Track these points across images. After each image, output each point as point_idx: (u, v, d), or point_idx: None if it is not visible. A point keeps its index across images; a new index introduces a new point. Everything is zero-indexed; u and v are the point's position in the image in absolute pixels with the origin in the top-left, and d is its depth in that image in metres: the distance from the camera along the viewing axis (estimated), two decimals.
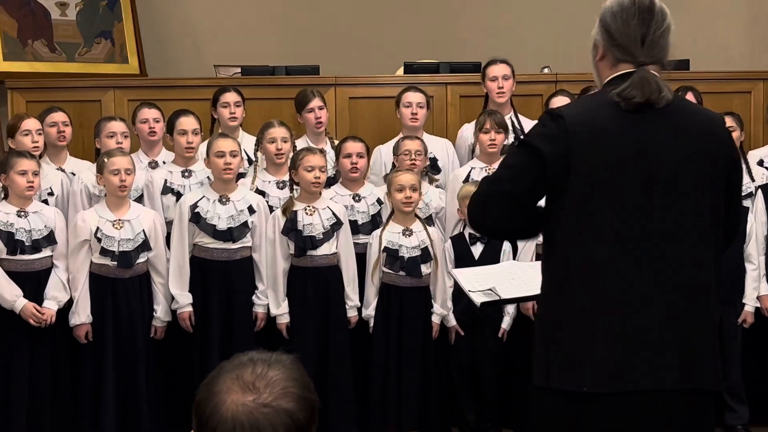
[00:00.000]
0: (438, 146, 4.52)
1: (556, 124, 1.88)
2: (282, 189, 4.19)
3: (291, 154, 4.14)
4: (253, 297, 4.01)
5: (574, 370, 1.86)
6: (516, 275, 2.66)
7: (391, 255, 4.03)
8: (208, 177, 4.11)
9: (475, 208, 1.96)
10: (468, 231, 4.13)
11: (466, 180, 4.27)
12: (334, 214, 4.04)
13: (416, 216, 4.13)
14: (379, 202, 4.22)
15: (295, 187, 4.08)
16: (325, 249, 4.00)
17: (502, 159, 2.00)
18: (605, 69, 1.96)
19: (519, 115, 4.61)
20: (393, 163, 4.35)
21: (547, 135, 1.88)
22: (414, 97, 4.41)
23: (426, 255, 4.04)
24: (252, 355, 1.33)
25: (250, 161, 4.33)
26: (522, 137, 2.05)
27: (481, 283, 2.70)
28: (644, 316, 1.84)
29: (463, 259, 4.02)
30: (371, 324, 4.06)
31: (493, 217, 1.93)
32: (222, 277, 3.95)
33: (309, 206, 4.03)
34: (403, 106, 4.42)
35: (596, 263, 1.84)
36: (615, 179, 1.85)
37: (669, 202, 1.86)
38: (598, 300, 1.84)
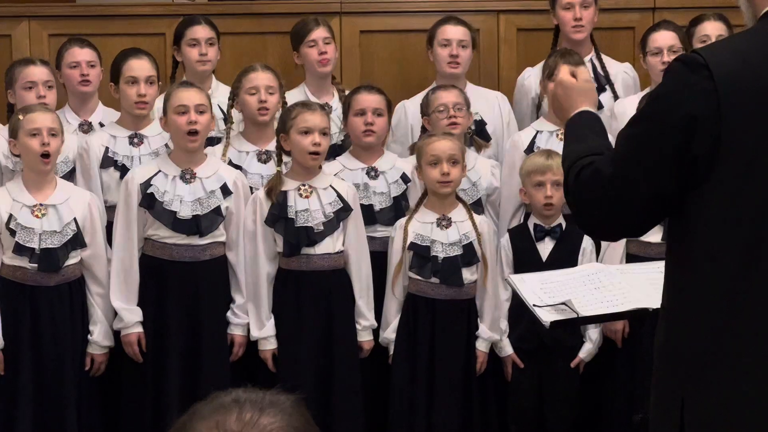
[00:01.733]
0: (486, 102, 4.56)
1: (698, 76, 1.90)
2: (266, 163, 4.23)
3: (279, 112, 4.19)
4: (228, 314, 4.08)
5: (734, 425, 1.89)
6: (601, 284, 2.70)
7: (421, 255, 4.07)
8: (166, 145, 4.17)
9: (597, 209, 2.02)
10: (534, 221, 4.18)
11: (530, 149, 4.30)
12: (339, 196, 4.07)
13: (458, 199, 4.16)
14: (405, 179, 4.26)
15: (284, 158, 4.11)
16: (327, 246, 4.05)
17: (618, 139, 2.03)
18: None
19: (603, 57, 4.63)
20: (422, 126, 4.38)
21: (686, 93, 1.90)
22: (454, 32, 4.45)
23: (470, 255, 4.08)
24: (237, 395, 1.34)
25: (226, 122, 4.39)
26: (645, 105, 2.01)
27: (550, 294, 2.74)
28: None
29: (526, 260, 4.07)
30: (391, 351, 4.11)
31: (621, 222, 2.02)
32: (185, 285, 4.02)
33: (304, 185, 4.06)
34: (439, 44, 4.47)
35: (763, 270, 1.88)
36: None
37: None
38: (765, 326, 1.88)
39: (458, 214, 4.13)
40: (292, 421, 1.31)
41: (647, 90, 4.33)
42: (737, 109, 1.86)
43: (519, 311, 3.90)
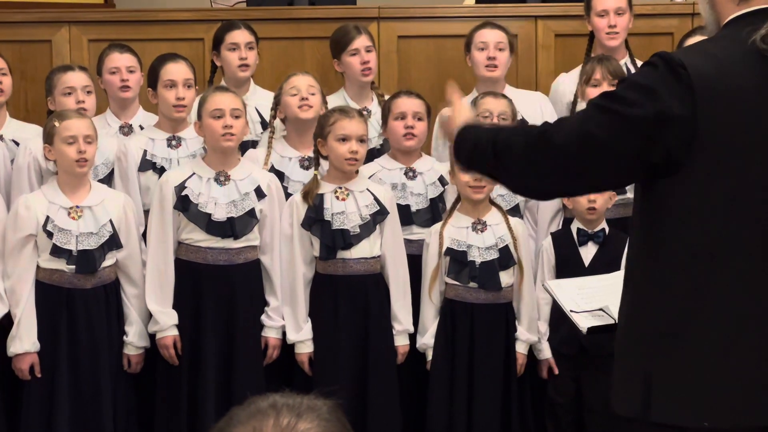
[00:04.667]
0: (528, 103, 4.53)
1: (677, 76, 1.96)
2: (308, 169, 4.23)
3: (320, 114, 4.20)
4: (263, 317, 4.07)
5: (694, 398, 1.98)
6: None
7: (457, 259, 4.05)
8: (203, 148, 4.18)
9: (542, 160, 2.07)
10: (576, 225, 4.17)
11: None
12: (376, 199, 4.08)
13: (492, 203, 4.15)
14: (443, 181, 4.27)
15: (321, 162, 4.13)
16: (363, 249, 4.04)
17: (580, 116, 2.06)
18: (727, 2, 2.06)
19: (637, 62, 4.61)
20: None
21: (665, 91, 1.96)
22: (491, 35, 4.44)
23: (506, 258, 4.07)
24: (275, 400, 1.33)
25: (264, 126, 4.41)
26: (623, 89, 2.04)
27: (588, 300, 2.75)
28: None
29: (569, 265, 4.06)
30: (429, 357, 4.08)
31: (565, 186, 2.11)
32: (219, 288, 4.00)
33: (341, 188, 4.07)
34: (476, 48, 4.46)
35: (731, 259, 1.96)
36: (762, 158, 1.96)
37: None
38: (731, 307, 1.97)
39: (493, 217, 4.12)
40: (330, 427, 1.30)
41: None
42: (711, 110, 1.93)
43: (560, 315, 3.81)
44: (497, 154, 2.10)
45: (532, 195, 2.33)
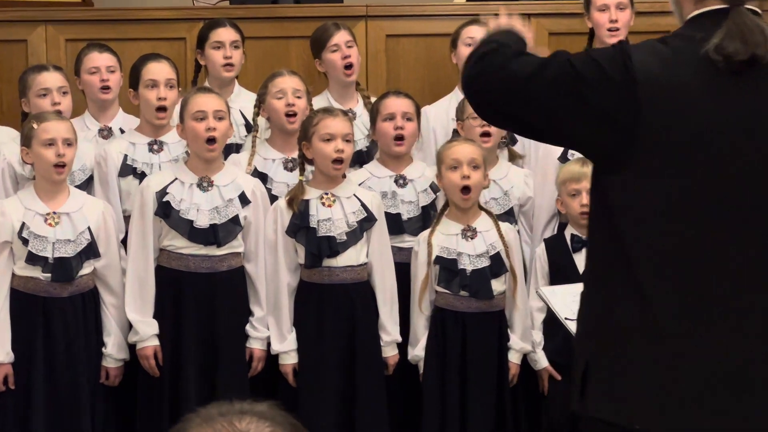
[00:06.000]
0: None
1: (623, 64, 2.01)
2: (292, 171, 4.20)
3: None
4: (248, 327, 4.03)
5: (628, 397, 2.03)
6: None
7: (447, 268, 4.00)
8: (186, 152, 4.11)
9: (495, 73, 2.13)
10: (570, 231, 4.11)
11: (564, 158, 4.22)
12: (363, 205, 4.03)
13: (481, 208, 4.10)
14: (435, 188, 4.22)
15: (307, 166, 4.09)
16: (350, 257, 3.99)
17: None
18: (687, 1, 2.13)
19: None
20: (454, 130, 4.33)
21: (610, 68, 2.01)
22: (479, 33, 4.25)
23: (498, 265, 4.02)
24: (222, 407, 1.37)
25: (248, 129, 4.35)
26: (587, 63, 2.10)
27: None
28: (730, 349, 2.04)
29: (563, 272, 4.00)
30: (421, 369, 4.04)
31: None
32: (202, 297, 3.96)
33: (327, 194, 4.02)
34: (464, 44, 4.40)
35: (670, 263, 2.02)
36: (712, 169, 1.99)
37: None
38: (666, 313, 2.02)
39: (483, 223, 4.05)
40: (284, 429, 1.35)
41: None
42: (654, 105, 1.97)
43: (554, 324, 3.84)
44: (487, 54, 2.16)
45: (481, 112, 2.27)
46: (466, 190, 3.96)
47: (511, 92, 2.08)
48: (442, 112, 4.41)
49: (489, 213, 4.09)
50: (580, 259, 4.00)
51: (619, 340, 2.05)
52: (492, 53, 2.12)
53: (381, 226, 4.05)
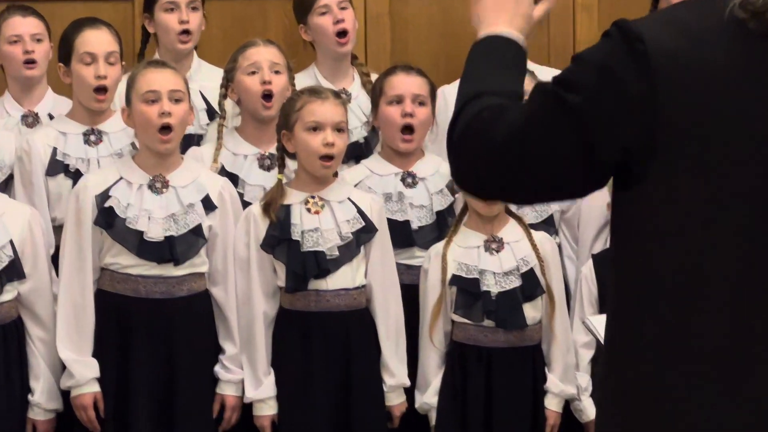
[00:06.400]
0: None
1: (632, 56, 1.83)
2: (269, 170, 3.91)
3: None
4: (217, 368, 3.76)
5: None
6: None
7: (467, 290, 3.73)
8: (132, 144, 3.85)
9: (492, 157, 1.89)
10: None
11: None
12: (360, 212, 3.74)
13: (510, 213, 3.82)
14: (452, 189, 3.91)
15: (288, 163, 3.82)
16: (343, 278, 3.72)
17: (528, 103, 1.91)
18: None
19: None
20: None
21: (618, 67, 1.83)
22: None
23: (532, 285, 3.75)
24: None
25: (210, 115, 4.03)
26: (576, 69, 1.87)
27: None
28: None
29: None
30: (432, 421, 3.78)
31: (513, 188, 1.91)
32: (155, 330, 3.71)
33: (313, 197, 3.73)
34: None
35: (712, 284, 1.86)
36: (747, 153, 1.84)
37: None
38: (715, 351, 1.85)
39: (511, 232, 3.78)
40: None
41: None
42: (677, 94, 1.83)
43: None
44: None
45: (467, 188, 2.05)
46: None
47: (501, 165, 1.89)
48: None
49: (519, 220, 3.83)
50: None
51: (659, 392, 1.87)
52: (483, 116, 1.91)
53: (383, 238, 3.78)
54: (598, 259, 3.85)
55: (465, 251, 3.75)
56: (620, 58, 1.82)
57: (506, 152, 1.85)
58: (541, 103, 1.85)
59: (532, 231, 3.81)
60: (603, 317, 3.20)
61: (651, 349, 1.88)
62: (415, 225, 3.88)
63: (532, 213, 3.92)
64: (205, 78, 4.06)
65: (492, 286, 3.73)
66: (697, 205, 1.87)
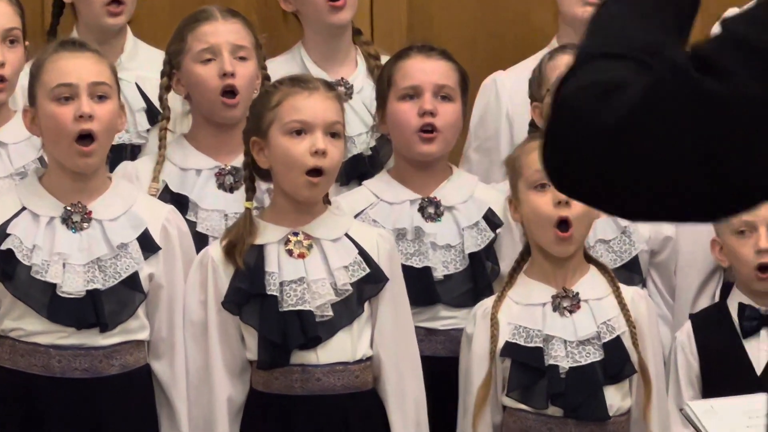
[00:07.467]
0: None
1: None
2: (232, 191, 3.38)
3: (255, 94, 3.37)
4: None
5: None
6: None
7: (526, 364, 3.25)
8: (40, 159, 3.37)
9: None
10: (738, 299, 3.41)
11: None
12: (363, 254, 3.20)
13: (588, 259, 3.30)
14: (492, 221, 3.38)
15: (259, 183, 3.30)
16: (341, 348, 3.19)
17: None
18: None
19: None
20: (531, 120, 3.55)
21: None
22: None
23: (619, 362, 3.24)
24: None
25: (152, 117, 3.49)
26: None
27: None
28: None
29: (725, 370, 3.43)
30: None
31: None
32: (74, 421, 3.18)
33: (296, 234, 3.19)
34: None
35: None
36: None
37: None
38: None
39: (590, 285, 3.23)
40: None
41: None
42: None
43: None
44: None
45: (558, 177, 1.47)
46: (563, 225, 3.15)
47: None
48: (525, 84, 3.53)
49: (602, 267, 3.27)
50: (755, 348, 3.41)
51: None
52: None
53: (396, 292, 3.21)
54: (699, 321, 3.35)
55: (525, 310, 3.25)
56: None
57: (618, 139, 1.48)
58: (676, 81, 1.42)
59: (622, 285, 3.27)
60: (708, 402, 3.03)
61: None
62: (439, 273, 3.35)
63: (609, 254, 3.39)
64: (144, 65, 3.52)
65: (562, 359, 3.25)
66: None
